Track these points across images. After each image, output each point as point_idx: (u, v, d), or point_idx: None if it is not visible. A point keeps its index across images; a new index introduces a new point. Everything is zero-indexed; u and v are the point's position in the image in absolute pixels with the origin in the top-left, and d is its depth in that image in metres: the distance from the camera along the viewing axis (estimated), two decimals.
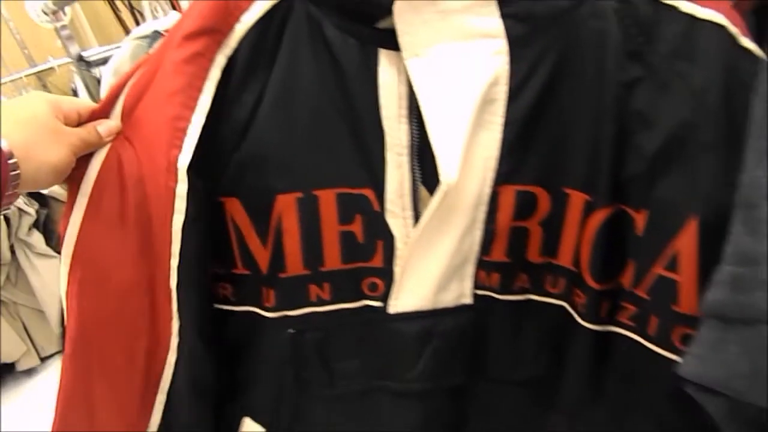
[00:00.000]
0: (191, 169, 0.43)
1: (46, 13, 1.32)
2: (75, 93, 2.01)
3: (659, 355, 0.44)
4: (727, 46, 0.38)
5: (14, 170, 0.38)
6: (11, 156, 0.37)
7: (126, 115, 0.45)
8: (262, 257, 0.48)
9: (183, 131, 0.42)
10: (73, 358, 0.47)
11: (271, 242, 0.47)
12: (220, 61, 0.42)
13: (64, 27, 1.34)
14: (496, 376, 0.52)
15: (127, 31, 2.18)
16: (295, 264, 0.47)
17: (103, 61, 1.51)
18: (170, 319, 0.46)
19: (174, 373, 0.48)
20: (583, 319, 0.47)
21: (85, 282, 0.46)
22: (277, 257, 0.47)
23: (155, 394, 0.49)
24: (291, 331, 0.50)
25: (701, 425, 0.43)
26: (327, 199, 0.46)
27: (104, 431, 0.49)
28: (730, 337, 0.34)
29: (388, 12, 0.40)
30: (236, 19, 0.42)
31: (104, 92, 1.24)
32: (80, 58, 1.40)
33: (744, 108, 0.38)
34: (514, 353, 0.51)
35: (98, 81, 1.41)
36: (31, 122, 0.40)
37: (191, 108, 0.42)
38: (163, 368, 0.48)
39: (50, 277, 1.98)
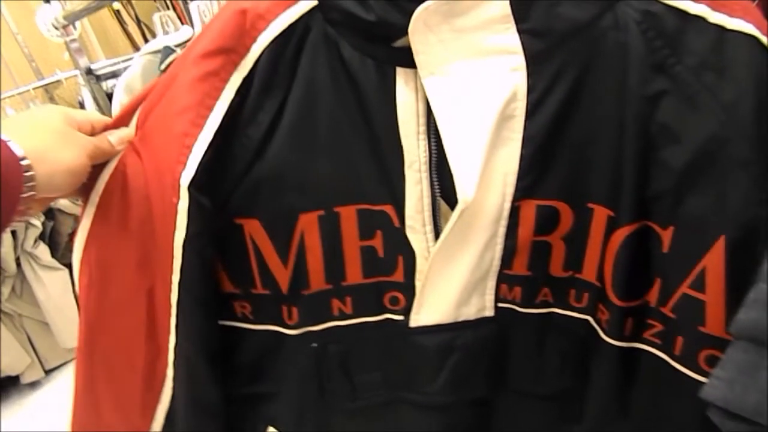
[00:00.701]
0: (195, 186, 0.42)
1: (56, 27, 1.33)
2: (82, 106, 2.02)
3: (685, 375, 0.43)
4: (759, 57, 0.37)
5: (28, 171, 0.38)
6: (24, 158, 0.37)
7: (138, 129, 0.45)
8: (283, 277, 0.48)
9: (189, 148, 0.42)
10: (81, 358, 0.49)
11: (293, 261, 0.47)
12: (235, 80, 0.42)
13: (73, 40, 1.35)
14: (519, 389, 0.52)
15: (134, 45, 2.19)
16: (317, 280, 0.48)
17: (112, 75, 1.52)
18: (167, 335, 0.46)
19: (174, 388, 0.49)
20: (607, 336, 0.46)
21: (91, 287, 0.47)
22: (300, 275, 0.47)
23: (156, 403, 0.49)
24: (314, 345, 0.50)
25: None
26: (348, 216, 0.46)
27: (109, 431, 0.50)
28: (763, 361, 0.33)
29: (404, 32, 0.40)
30: (253, 39, 0.42)
31: (116, 108, 1.25)
32: (89, 71, 1.41)
33: None
34: (537, 366, 0.51)
35: (107, 94, 1.42)
36: (44, 127, 0.41)
37: (199, 126, 0.42)
38: (163, 381, 0.48)
39: (55, 289, 1.97)
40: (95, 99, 1.46)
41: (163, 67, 1.02)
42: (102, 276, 0.47)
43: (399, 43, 0.42)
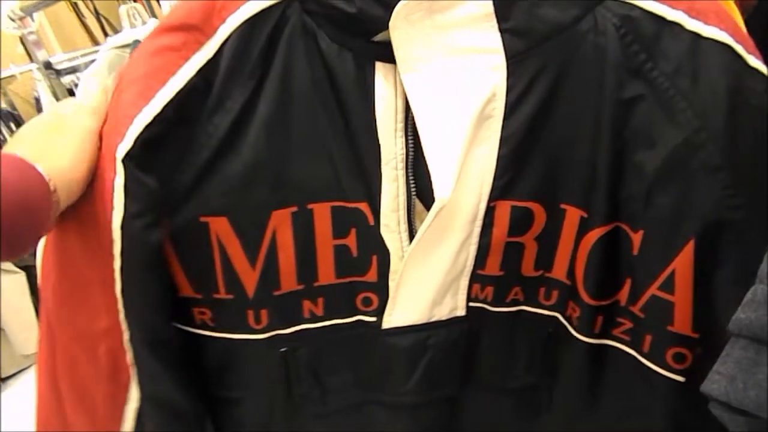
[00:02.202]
0: (134, 162, 0.40)
1: (12, 19, 1.27)
2: (38, 101, 1.94)
3: (653, 371, 0.44)
4: (733, 65, 0.38)
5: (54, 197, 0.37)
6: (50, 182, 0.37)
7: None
8: (249, 279, 0.46)
9: (130, 119, 0.40)
10: (42, 355, 0.47)
11: (262, 261, 0.45)
12: (197, 60, 0.40)
13: (31, 33, 1.29)
14: (487, 385, 0.53)
15: (93, 39, 2.12)
16: (288, 280, 0.46)
17: (72, 70, 1.47)
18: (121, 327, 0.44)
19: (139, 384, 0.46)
20: (578, 332, 0.47)
21: (48, 277, 0.45)
22: (270, 275, 0.46)
23: (123, 402, 0.46)
24: (283, 349, 0.49)
25: None
26: (322, 213, 0.45)
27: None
28: (762, 358, 0.33)
29: (384, 26, 0.40)
30: (222, 20, 0.40)
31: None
32: (48, 66, 1.35)
33: (749, 128, 0.38)
34: (505, 362, 0.52)
35: (68, 90, 1.37)
36: (32, 130, 0.40)
37: (147, 98, 0.40)
38: (129, 378, 0.46)
39: (12, 293, 1.89)
40: (54, 94, 1.40)
41: None
42: (58, 265, 0.44)
43: (379, 37, 0.41)
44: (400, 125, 0.43)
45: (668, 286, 0.42)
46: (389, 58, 0.41)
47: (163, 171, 0.42)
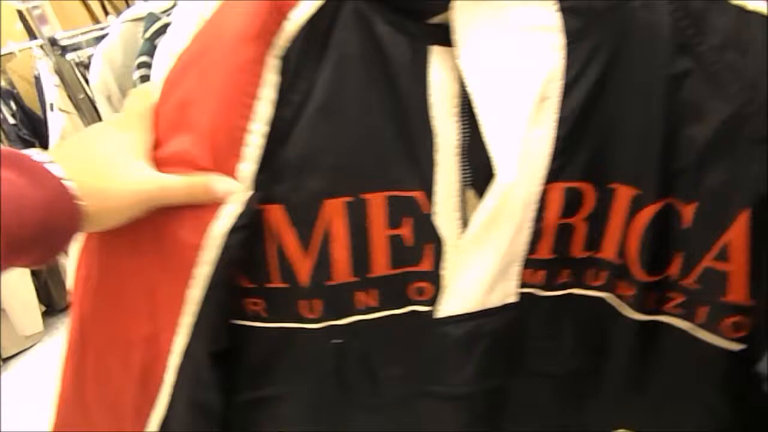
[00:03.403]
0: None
1: None
2: (37, 80, 1.91)
3: (708, 342, 0.45)
4: None
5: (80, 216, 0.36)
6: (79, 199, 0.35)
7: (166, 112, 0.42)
8: (303, 268, 0.45)
9: (240, 139, 0.40)
10: (71, 354, 0.46)
11: (315, 251, 0.45)
12: (273, 63, 0.41)
13: (35, 8, 1.27)
14: (534, 371, 0.52)
15: (93, 16, 2.08)
16: (342, 271, 0.46)
17: (76, 47, 1.45)
18: (172, 335, 0.43)
19: (172, 394, 0.46)
20: (631, 310, 0.47)
21: (88, 279, 0.44)
22: (323, 266, 0.45)
23: (150, 409, 0.46)
24: (335, 341, 0.48)
25: (749, 412, 0.45)
26: (376, 203, 0.44)
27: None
28: None
29: (443, 8, 0.39)
30: (285, 17, 0.40)
31: (94, 78, 1.18)
32: (54, 42, 1.33)
33: None
34: (552, 347, 0.51)
35: (72, 66, 1.35)
36: (103, 156, 0.38)
37: (246, 115, 0.40)
38: (159, 387, 0.45)
39: (12, 275, 1.88)
40: (59, 72, 1.38)
41: (148, 35, 0.98)
42: (101, 269, 0.43)
43: (435, 20, 0.41)
44: (455, 110, 0.43)
45: (723, 256, 0.42)
46: (445, 41, 0.40)
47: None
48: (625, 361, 0.50)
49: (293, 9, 0.40)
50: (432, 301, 0.48)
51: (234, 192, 0.41)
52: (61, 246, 0.36)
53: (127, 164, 0.38)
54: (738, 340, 0.44)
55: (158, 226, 0.41)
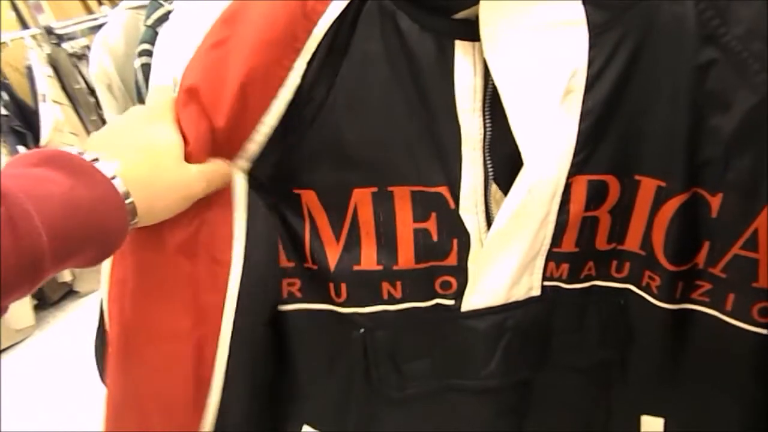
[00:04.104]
0: (260, 163, 0.43)
1: None
2: (30, 70, 1.89)
3: (738, 327, 0.45)
4: None
5: (132, 216, 0.36)
6: (128, 197, 0.35)
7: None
8: (333, 252, 0.47)
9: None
10: (116, 360, 0.45)
11: (345, 236, 0.47)
12: (300, 66, 0.41)
13: None
14: (559, 364, 0.53)
15: (87, 7, 2.06)
16: (369, 258, 0.47)
17: (71, 37, 1.43)
18: (219, 318, 0.44)
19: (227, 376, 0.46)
20: (658, 300, 0.47)
21: (125, 283, 0.44)
22: (352, 250, 0.47)
23: (206, 395, 0.46)
24: (361, 330, 0.49)
25: None
26: (402, 196, 0.45)
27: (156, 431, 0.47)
28: None
29: (469, 3, 0.39)
30: (314, 23, 0.41)
31: (94, 67, 1.17)
32: (50, 31, 1.31)
33: None
34: (577, 339, 0.52)
35: (71, 56, 1.33)
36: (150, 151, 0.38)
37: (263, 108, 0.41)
38: (212, 373, 0.45)
39: None
40: (54, 62, 1.36)
41: (150, 21, 0.97)
42: (137, 267, 0.43)
43: (460, 15, 0.41)
44: (479, 104, 0.43)
45: (752, 244, 0.42)
46: (470, 36, 0.40)
47: (279, 164, 0.44)
48: (652, 351, 0.50)
49: (321, 15, 0.41)
50: (457, 295, 0.48)
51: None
52: (115, 245, 0.35)
53: (173, 160, 0.39)
54: (767, 326, 0.44)
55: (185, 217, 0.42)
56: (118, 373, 0.46)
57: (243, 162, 0.43)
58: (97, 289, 2.33)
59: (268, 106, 0.42)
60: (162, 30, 0.93)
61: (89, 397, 1.69)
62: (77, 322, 2.27)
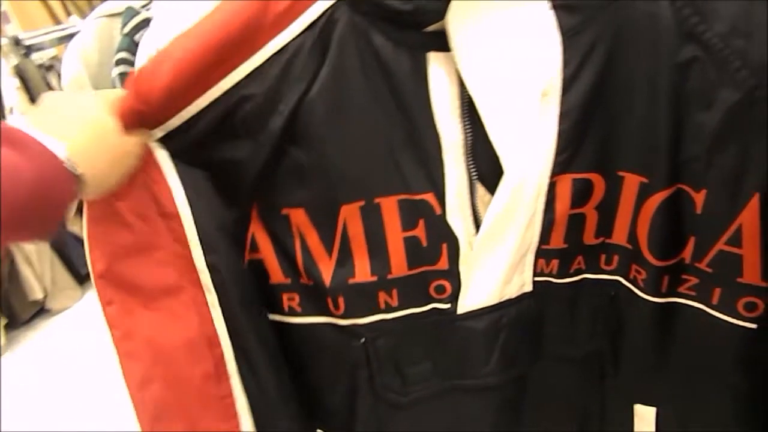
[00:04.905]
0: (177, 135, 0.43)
1: None
2: None
3: (724, 320, 0.46)
4: None
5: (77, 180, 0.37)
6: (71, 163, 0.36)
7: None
8: (327, 267, 0.48)
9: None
10: (133, 388, 0.47)
11: (337, 251, 0.47)
12: (242, 72, 0.42)
13: None
14: (553, 355, 0.54)
15: (54, 17, 2.02)
16: (363, 270, 0.48)
17: (39, 47, 1.39)
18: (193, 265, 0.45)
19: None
20: (644, 293, 0.48)
21: (112, 304, 0.46)
22: (345, 264, 0.48)
23: (222, 357, 0.47)
24: (362, 339, 0.50)
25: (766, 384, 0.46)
26: (389, 206, 0.46)
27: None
28: None
29: (438, 17, 0.40)
30: (271, 36, 0.42)
31: (66, 78, 1.13)
32: (17, 42, 1.28)
33: None
34: (570, 331, 0.53)
35: (39, 67, 1.29)
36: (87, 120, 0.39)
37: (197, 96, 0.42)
38: (214, 329, 0.47)
39: None
40: (22, 73, 1.32)
41: (126, 30, 0.94)
42: (120, 284, 0.45)
43: (431, 28, 0.42)
44: (457, 111, 0.44)
45: (736, 240, 0.43)
46: (442, 46, 0.41)
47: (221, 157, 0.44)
48: (641, 342, 0.51)
49: (281, 30, 0.41)
50: (452, 298, 0.49)
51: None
52: (58, 214, 0.36)
53: (113, 132, 0.40)
54: (753, 320, 0.45)
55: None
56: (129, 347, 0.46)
57: (160, 132, 0.43)
58: (69, 306, 2.28)
59: (193, 100, 0.42)
60: (141, 38, 0.91)
61: (61, 418, 1.64)
62: (49, 341, 2.20)
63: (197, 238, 0.44)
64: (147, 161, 0.43)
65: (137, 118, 0.42)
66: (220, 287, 0.45)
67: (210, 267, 0.45)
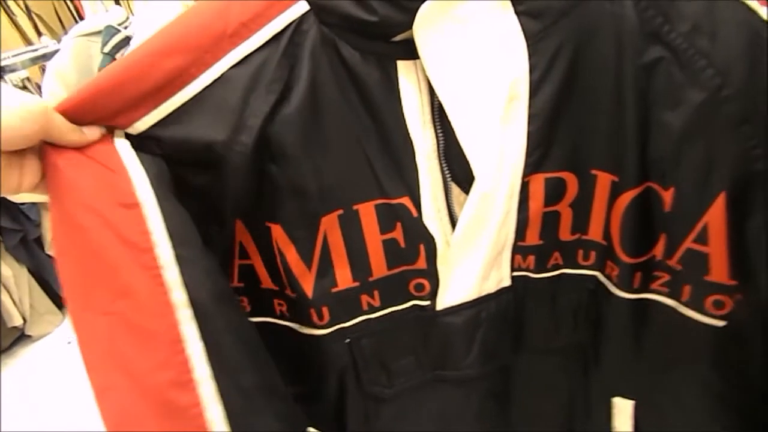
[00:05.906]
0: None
1: None
2: None
3: (692, 318, 0.47)
4: (748, 20, 0.39)
5: None
6: None
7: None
8: (307, 282, 0.48)
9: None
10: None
11: (316, 264, 0.48)
12: (203, 81, 0.41)
13: None
14: (535, 348, 0.55)
15: (25, 38, 1.99)
16: (344, 278, 0.49)
17: (13, 68, 1.37)
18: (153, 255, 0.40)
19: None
20: (618, 289, 0.50)
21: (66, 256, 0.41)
22: (326, 275, 0.48)
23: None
24: (347, 340, 0.51)
25: (738, 381, 0.47)
26: (367, 212, 0.47)
27: None
28: None
29: (405, 28, 0.41)
30: (233, 45, 0.41)
31: (45, 97, 1.12)
32: None
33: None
34: (551, 325, 0.54)
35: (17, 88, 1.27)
36: None
37: (155, 104, 0.41)
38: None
39: None
40: None
41: (107, 49, 0.94)
42: (68, 240, 0.40)
43: (399, 37, 0.42)
44: (428, 117, 0.45)
45: (702, 238, 0.44)
46: (411, 54, 0.42)
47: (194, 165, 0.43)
48: (617, 337, 0.52)
49: (244, 40, 0.41)
50: (432, 295, 0.50)
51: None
52: None
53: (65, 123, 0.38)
54: (721, 318, 0.46)
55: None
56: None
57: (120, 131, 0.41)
58: (49, 332, 2.23)
59: (156, 106, 0.41)
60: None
61: None
62: (29, 368, 2.15)
63: (164, 226, 0.39)
64: (102, 150, 0.40)
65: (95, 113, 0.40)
66: (191, 283, 0.39)
67: (179, 259, 0.38)
